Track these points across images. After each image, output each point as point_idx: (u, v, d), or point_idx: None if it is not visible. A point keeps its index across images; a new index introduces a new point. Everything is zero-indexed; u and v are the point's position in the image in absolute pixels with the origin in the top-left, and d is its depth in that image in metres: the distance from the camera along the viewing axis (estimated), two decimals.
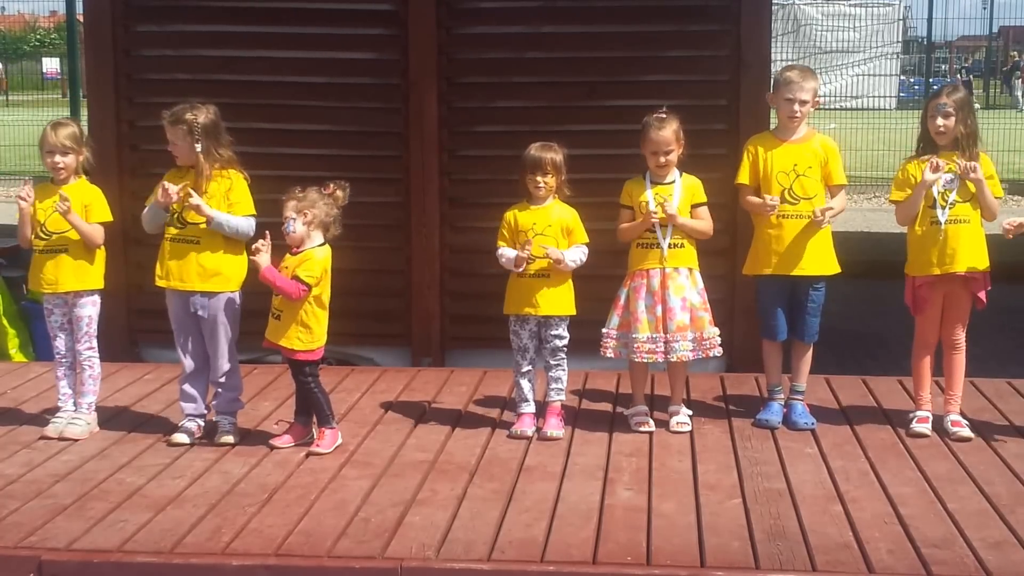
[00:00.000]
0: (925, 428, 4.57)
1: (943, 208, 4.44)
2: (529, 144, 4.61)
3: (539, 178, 4.54)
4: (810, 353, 4.78)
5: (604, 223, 4.72)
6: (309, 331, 4.36)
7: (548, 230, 4.57)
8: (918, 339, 4.64)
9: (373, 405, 5.08)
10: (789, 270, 4.63)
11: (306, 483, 4.10)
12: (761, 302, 4.79)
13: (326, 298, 4.40)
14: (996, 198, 4.51)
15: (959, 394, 4.63)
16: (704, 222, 4.65)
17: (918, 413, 4.64)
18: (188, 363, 4.59)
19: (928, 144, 4.56)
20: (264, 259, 4.29)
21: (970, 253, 4.48)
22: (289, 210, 4.33)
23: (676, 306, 4.57)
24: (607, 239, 4.74)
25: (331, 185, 4.41)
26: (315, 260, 4.33)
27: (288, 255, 4.38)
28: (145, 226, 4.61)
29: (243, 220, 4.49)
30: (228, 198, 4.48)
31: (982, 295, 4.54)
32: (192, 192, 4.38)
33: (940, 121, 4.45)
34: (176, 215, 4.49)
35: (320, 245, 4.37)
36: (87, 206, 4.58)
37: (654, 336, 4.56)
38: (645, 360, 4.59)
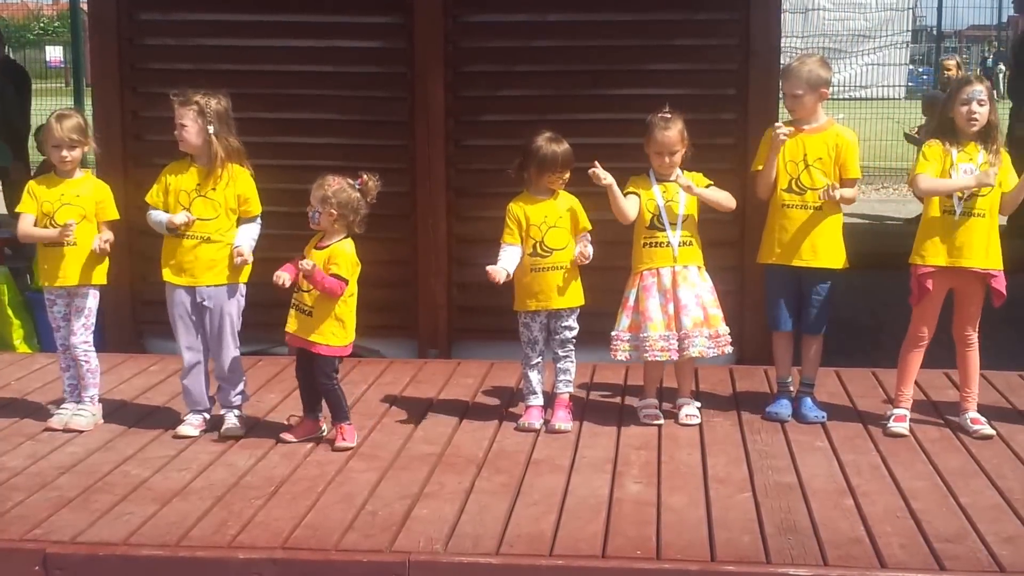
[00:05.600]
0: (902, 428, 4.47)
1: (960, 199, 4.35)
2: (534, 133, 4.55)
3: (566, 175, 4.49)
4: (819, 345, 4.73)
5: (610, 213, 4.68)
6: (343, 325, 4.29)
7: (560, 222, 4.52)
8: (911, 333, 4.51)
9: (379, 397, 5.05)
10: (793, 260, 4.58)
11: (312, 476, 4.07)
12: (767, 291, 4.75)
13: (355, 285, 4.33)
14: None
15: (975, 391, 4.55)
16: (723, 193, 4.60)
17: (895, 411, 4.53)
18: (191, 357, 4.54)
19: (951, 133, 4.39)
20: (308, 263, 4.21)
21: (983, 250, 4.36)
22: (315, 200, 4.25)
23: (690, 302, 4.51)
24: (614, 229, 4.70)
25: (364, 176, 4.31)
26: (346, 253, 4.26)
27: (313, 249, 4.32)
28: (152, 226, 4.57)
29: (255, 228, 4.50)
30: (240, 198, 4.43)
31: (1002, 289, 4.40)
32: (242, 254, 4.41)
33: (976, 108, 4.30)
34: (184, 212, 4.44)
35: (344, 238, 4.31)
36: (99, 203, 4.55)
37: (666, 334, 4.50)
38: (658, 358, 4.53)
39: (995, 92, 4.73)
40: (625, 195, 4.55)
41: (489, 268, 4.43)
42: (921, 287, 4.43)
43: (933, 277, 4.41)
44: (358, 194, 4.29)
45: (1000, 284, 4.43)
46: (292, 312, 4.32)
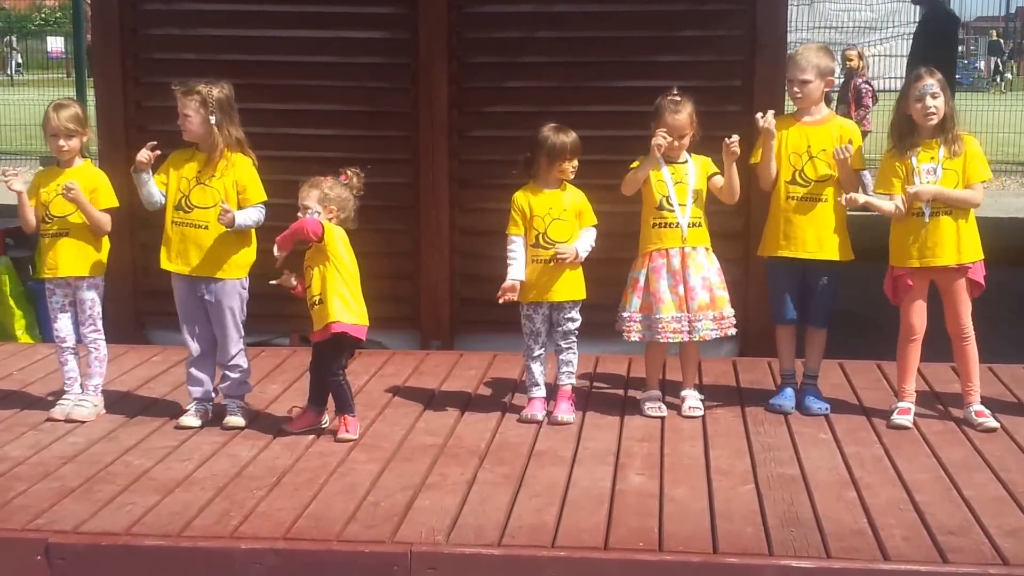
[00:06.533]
0: (906, 420, 4.46)
1: (926, 202, 4.30)
2: (539, 125, 4.54)
3: (575, 163, 4.48)
4: (823, 338, 4.72)
5: (614, 205, 4.67)
6: (345, 301, 4.25)
7: (564, 214, 4.51)
8: (903, 328, 4.50)
9: (382, 388, 5.05)
10: (798, 253, 4.56)
11: (315, 466, 4.07)
12: (771, 284, 4.74)
13: (354, 269, 4.30)
14: (982, 182, 4.37)
15: (977, 384, 4.54)
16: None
17: (899, 404, 4.52)
18: (195, 347, 4.54)
19: (910, 131, 4.36)
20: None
21: (954, 246, 4.33)
22: (312, 200, 4.24)
23: (697, 285, 4.50)
24: (617, 221, 4.69)
25: (347, 172, 4.33)
26: (337, 230, 4.28)
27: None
28: (145, 204, 4.55)
29: (255, 211, 4.45)
30: (238, 185, 4.42)
31: (979, 280, 4.39)
32: (226, 206, 4.33)
33: (930, 102, 4.28)
34: (183, 198, 4.43)
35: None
36: (93, 191, 4.53)
37: (678, 315, 4.49)
38: (671, 340, 4.52)
39: (1002, 85, 4.70)
40: (632, 170, 4.54)
41: (504, 286, 4.46)
42: (898, 287, 4.42)
43: (910, 275, 4.40)
44: (347, 190, 4.30)
45: (977, 275, 4.40)
46: (311, 311, 4.31)
